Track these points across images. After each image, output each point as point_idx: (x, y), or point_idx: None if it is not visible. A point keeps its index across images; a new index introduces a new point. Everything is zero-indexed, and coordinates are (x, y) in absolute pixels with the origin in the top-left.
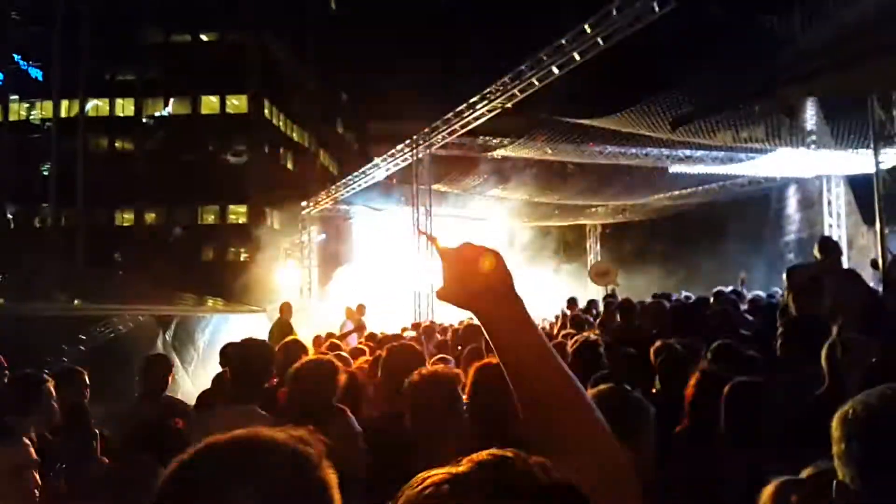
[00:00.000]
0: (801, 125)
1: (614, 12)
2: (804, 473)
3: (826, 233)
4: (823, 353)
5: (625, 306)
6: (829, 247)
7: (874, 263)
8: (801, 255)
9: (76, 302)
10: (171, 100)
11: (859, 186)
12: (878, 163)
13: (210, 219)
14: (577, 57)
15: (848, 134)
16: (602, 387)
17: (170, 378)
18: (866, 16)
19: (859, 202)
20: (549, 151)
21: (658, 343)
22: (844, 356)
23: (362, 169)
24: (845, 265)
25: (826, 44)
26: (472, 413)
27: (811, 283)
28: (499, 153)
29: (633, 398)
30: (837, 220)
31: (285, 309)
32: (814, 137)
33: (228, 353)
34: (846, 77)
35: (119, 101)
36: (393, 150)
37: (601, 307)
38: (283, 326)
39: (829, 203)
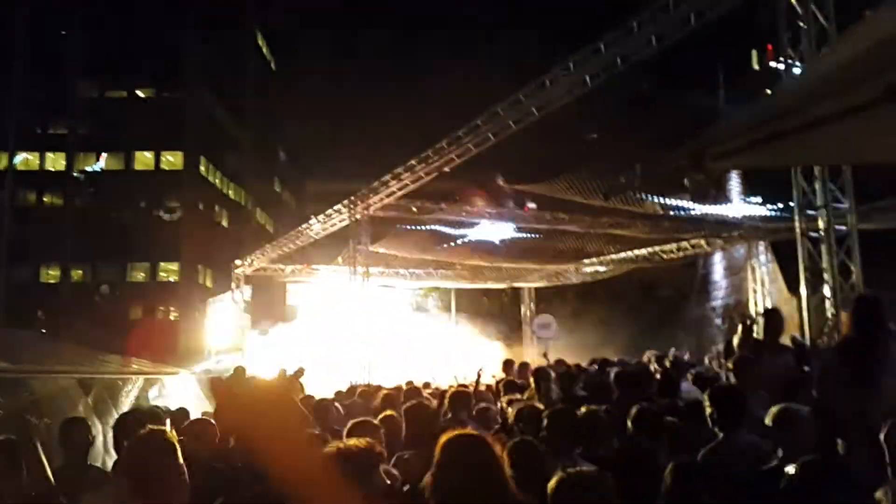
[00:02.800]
0: (726, 194)
1: (547, 84)
2: None
3: (750, 299)
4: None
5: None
6: (771, 318)
7: (793, 340)
8: (728, 320)
9: None
10: (104, 155)
11: (783, 254)
12: (800, 230)
13: (140, 276)
14: (511, 125)
15: (771, 203)
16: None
17: (90, 445)
18: (790, 95)
19: (783, 269)
20: (486, 214)
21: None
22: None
23: (299, 228)
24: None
25: (750, 121)
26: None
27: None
28: (436, 216)
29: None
30: (762, 287)
31: (239, 373)
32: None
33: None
34: (770, 153)
35: (50, 155)
36: (330, 210)
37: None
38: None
39: (754, 270)
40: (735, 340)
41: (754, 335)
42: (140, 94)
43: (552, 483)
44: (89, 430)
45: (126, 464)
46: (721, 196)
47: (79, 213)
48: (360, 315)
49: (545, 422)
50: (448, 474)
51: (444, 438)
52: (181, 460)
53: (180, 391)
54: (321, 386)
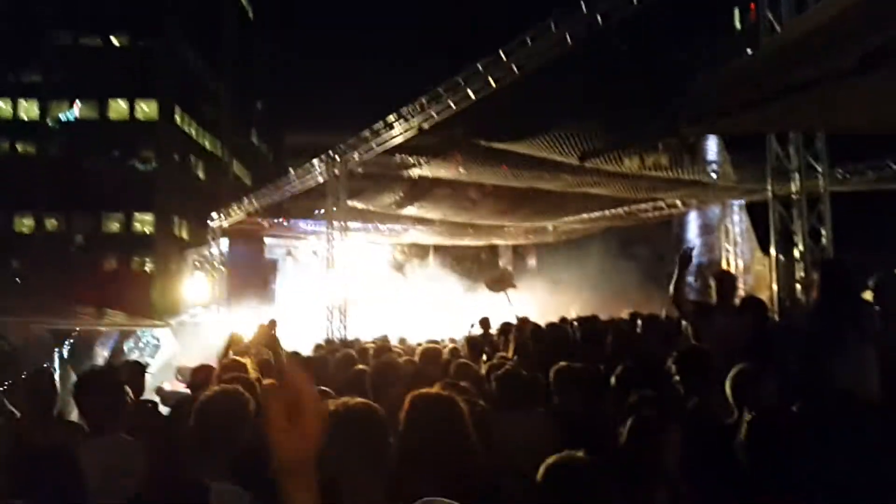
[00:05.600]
0: (702, 156)
1: (528, 41)
2: None
3: (723, 258)
4: (728, 384)
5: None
6: (723, 281)
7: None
8: (701, 278)
9: None
10: (78, 103)
11: (756, 215)
12: (773, 193)
13: (114, 227)
14: (492, 83)
15: (746, 164)
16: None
17: (57, 396)
18: (765, 60)
19: (756, 230)
20: (463, 172)
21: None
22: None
23: (277, 182)
24: (741, 291)
25: (725, 86)
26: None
27: (699, 318)
28: (415, 172)
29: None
30: (734, 247)
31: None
32: (714, 167)
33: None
34: (744, 119)
35: (22, 102)
36: (308, 164)
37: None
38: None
39: (727, 230)
40: (674, 278)
41: (687, 275)
42: (115, 41)
43: (542, 468)
44: (54, 380)
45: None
46: (697, 157)
47: (52, 163)
48: (337, 270)
49: (493, 383)
50: (412, 434)
51: (410, 396)
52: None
53: (156, 343)
54: (296, 341)
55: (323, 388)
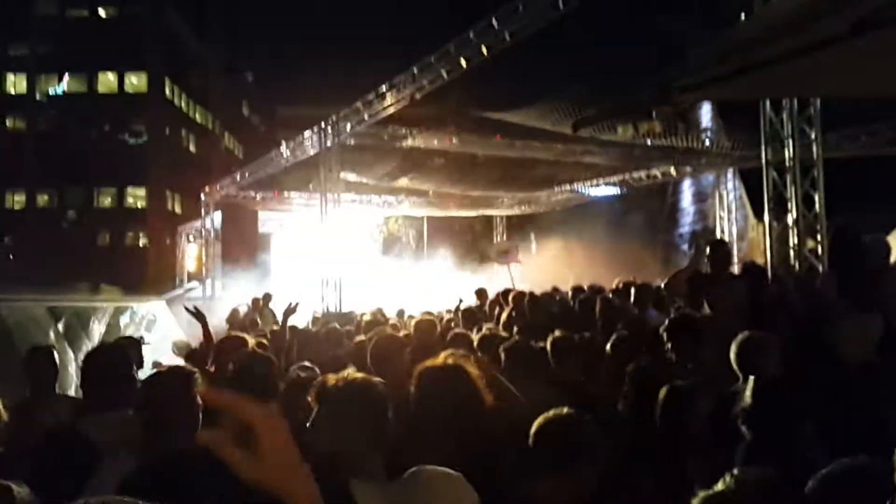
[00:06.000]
0: (696, 122)
1: (520, 8)
2: (721, 485)
3: (717, 226)
4: (734, 352)
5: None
6: (717, 250)
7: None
8: (695, 246)
9: None
10: (66, 76)
11: (750, 182)
12: (766, 160)
13: (106, 202)
14: (483, 51)
15: (740, 131)
16: (552, 414)
17: (56, 372)
18: (759, 27)
19: (750, 197)
20: (456, 142)
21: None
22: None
23: (269, 154)
24: (735, 258)
25: (719, 53)
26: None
27: (690, 286)
28: (408, 143)
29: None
30: (728, 214)
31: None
32: (709, 134)
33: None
34: (738, 86)
35: (10, 76)
36: (300, 137)
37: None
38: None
39: (721, 198)
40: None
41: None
42: (102, 12)
43: (535, 425)
44: (54, 358)
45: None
46: (691, 123)
47: (42, 138)
48: (331, 243)
49: (503, 354)
50: (424, 405)
51: (419, 369)
52: (198, 402)
53: (152, 318)
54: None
55: (306, 363)
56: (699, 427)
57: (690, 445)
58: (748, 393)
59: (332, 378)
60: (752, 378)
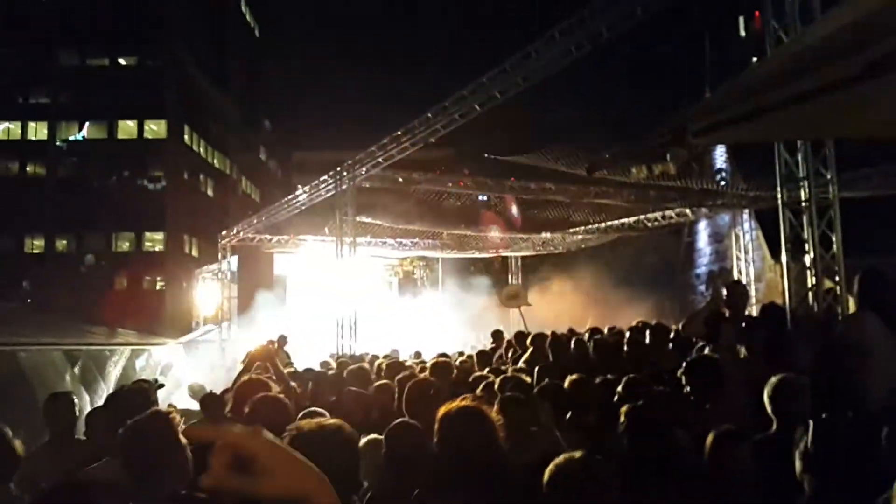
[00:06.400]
0: (710, 164)
1: (533, 54)
2: None
3: (734, 266)
4: (768, 395)
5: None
6: (735, 291)
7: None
8: (712, 287)
9: None
10: (87, 124)
11: (766, 222)
12: (783, 201)
13: (125, 246)
14: (497, 95)
15: (754, 172)
16: (565, 457)
17: (76, 418)
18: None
19: (767, 237)
20: (471, 184)
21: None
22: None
23: (286, 198)
24: (753, 299)
25: (732, 96)
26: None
27: (708, 327)
28: (422, 186)
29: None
30: (745, 255)
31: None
32: (723, 175)
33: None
34: (753, 128)
35: (31, 124)
36: (317, 181)
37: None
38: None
39: (738, 238)
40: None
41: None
42: (122, 61)
43: (549, 468)
44: (74, 404)
45: (123, 447)
46: (704, 168)
47: (62, 183)
48: (346, 285)
49: (538, 395)
50: (447, 448)
51: (442, 411)
52: (183, 443)
53: (167, 361)
54: (306, 355)
55: (315, 408)
56: (746, 472)
57: (737, 491)
58: (809, 437)
59: (306, 423)
60: (811, 422)
